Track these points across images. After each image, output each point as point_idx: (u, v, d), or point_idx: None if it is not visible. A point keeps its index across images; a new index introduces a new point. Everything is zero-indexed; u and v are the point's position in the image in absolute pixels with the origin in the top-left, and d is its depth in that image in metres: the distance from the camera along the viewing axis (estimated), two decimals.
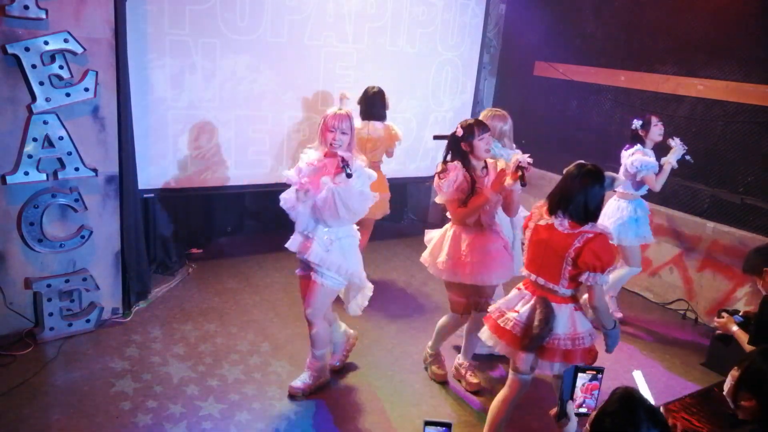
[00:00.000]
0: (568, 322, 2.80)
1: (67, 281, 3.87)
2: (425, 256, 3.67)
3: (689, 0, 5.10)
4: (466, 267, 3.42)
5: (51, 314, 3.83)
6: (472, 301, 3.58)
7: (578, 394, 2.06)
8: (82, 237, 3.91)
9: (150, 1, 4.29)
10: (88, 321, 3.98)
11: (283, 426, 3.26)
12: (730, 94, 4.84)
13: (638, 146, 4.47)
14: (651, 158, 4.42)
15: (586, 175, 2.76)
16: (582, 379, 2.06)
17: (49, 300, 3.81)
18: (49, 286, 3.80)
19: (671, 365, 4.28)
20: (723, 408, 2.55)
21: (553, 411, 2.09)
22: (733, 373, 2.20)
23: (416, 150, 6.03)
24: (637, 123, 4.49)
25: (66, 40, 3.59)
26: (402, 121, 5.84)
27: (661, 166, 4.44)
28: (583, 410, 2.06)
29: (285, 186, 3.35)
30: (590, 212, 2.73)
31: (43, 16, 3.50)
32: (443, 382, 3.80)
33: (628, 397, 1.79)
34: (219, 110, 4.81)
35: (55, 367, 3.59)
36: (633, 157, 4.42)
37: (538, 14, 6.33)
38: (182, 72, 4.56)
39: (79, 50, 3.65)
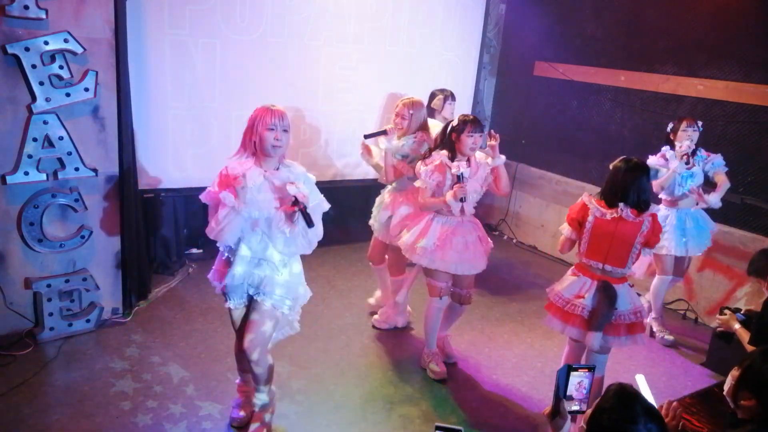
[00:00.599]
0: (628, 298, 3.16)
1: (67, 281, 3.87)
2: (405, 240, 3.75)
3: (689, 0, 5.10)
4: (445, 255, 3.58)
5: (51, 314, 3.83)
6: (448, 287, 3.75)
7: (572, 392, 2.07)
8: (82, 237, 3.91)
9: (150, 1, 4.29)
10: (88, 321, 3.98)
11: (282, 426, 3.26)
12: (730, 94, 4.84)
13: (665, 148, 4.33)
14: (659, 160, 4.29)
15: (633, 169, 3.08)
16: (576, 377, 2.07)
17: (49, 300, 3.81)
18: (49, 286, 3.80)
19: (671, 365, 4.28)
20: (723, 408, 2.55)
21: (547, 410, 2.10)
22: (734, 373, 2.20)
23: None
24: (670, 125, 4.35)
25: (66, 40, 3.60)
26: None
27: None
28: (575, 407, 2.06)
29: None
30: (643, 201, 3.08)
31: (43, 16, 3.51)
32: (442, 380, 3.79)
33: (623, 392, 1.80)
34: (219, 110, 4.81)
35: (55, 367, 3.59)
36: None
37: (537, 14, 6.33)
38: (182, 72, 4.56)
39: (79, 50, 3.65)
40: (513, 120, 6.78)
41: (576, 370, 2.07)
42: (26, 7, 3.43)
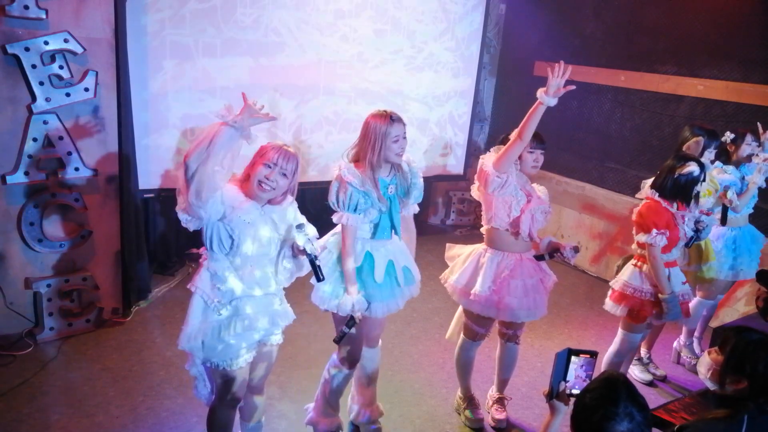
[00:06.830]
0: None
1: (67, 281, 3.87)
2: (452, 282, 3.25)
3: (689, 0, 5.10)
4: (501, 303, 3.06)
5: (51, 314, 3.83)
6: (486, 334, 3.32)
7: (572, 377, 2.10)
8: (82, 237, 3.91)
9: (150, 1, 4.29)
10: (88, 321, 3.98)
11: (282, 426, 3.26)
12: (730, 94, 4.84)
13: (718, 163, 3.91)
14: (731, 176, 3.88)
15: None
16: (576, 362, 2.10)
17: (49, 300, 3.82)
18: (49, 286, 3.81)
19: (671, 365, 4.28)
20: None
21: (545, 390, 2.14)
22: (715, 357, 2.22)
23: (416, 151, 6.03)
24: (728, 136, 3.88)
25: (66, 40, 3.60)
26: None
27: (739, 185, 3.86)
28: (576, 391, 2.08)
29: None
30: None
31: (43, 16, 3.51)
32: (478, 429, 3.39)
33: (610, 378, 1.86)
34: (219, 110, 4.81)
35: (55, 367, 3.59)
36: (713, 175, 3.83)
37: (537, 14, 6.33)
38: (182, 72, 4.56)
39: (79, 50, 3.66)
40: (513, 120, 6.73)
41: (577, 354, 2.10)
42: (26, 7, 3.44)
